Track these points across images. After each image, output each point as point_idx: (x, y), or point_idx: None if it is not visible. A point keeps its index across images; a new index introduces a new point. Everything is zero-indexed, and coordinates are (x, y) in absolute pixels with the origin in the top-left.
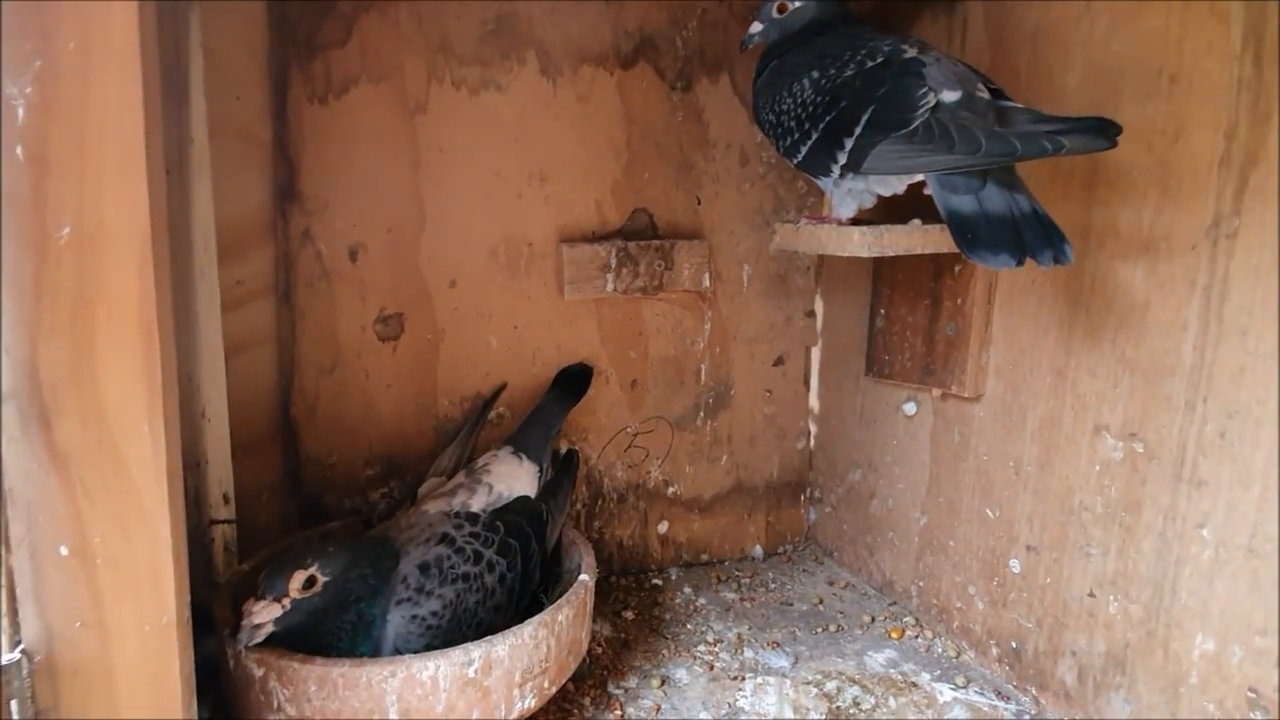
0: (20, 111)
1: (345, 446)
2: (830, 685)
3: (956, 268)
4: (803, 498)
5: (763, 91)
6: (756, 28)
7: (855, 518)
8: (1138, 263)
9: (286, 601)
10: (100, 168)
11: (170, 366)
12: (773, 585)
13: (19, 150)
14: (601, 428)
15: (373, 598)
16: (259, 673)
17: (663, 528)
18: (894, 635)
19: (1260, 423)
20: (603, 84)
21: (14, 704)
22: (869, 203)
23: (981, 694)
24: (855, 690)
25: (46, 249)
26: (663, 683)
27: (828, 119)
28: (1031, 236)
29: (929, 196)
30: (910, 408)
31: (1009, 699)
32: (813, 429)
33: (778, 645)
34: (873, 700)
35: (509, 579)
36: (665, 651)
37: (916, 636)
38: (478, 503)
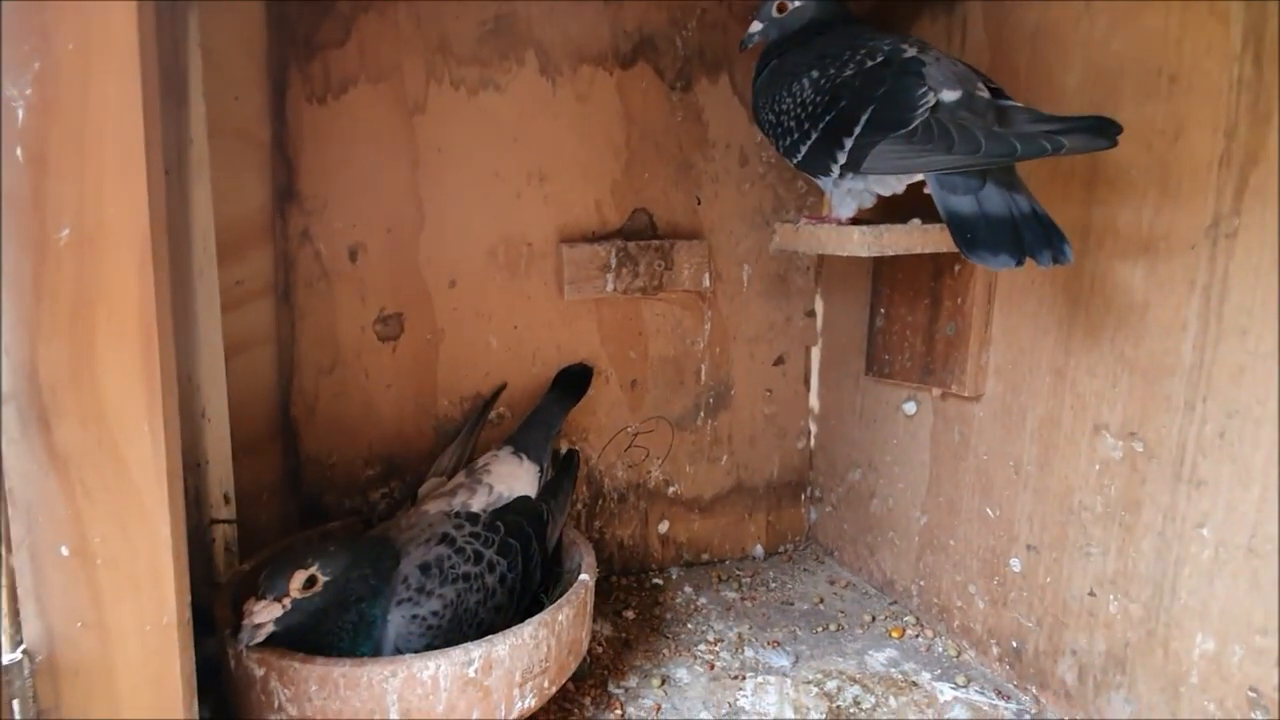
0: (20, 112)
1: (345, 446)
2: (831, 684)
3: (956, 267)
4: (803, 497)
5: (762, 91)
6: (756, 27)
7: (855, 517)
8: (1137, 262)
9: (287, 601)
10: (100, 168)
11: (170, 367)
12: (773, 585)
13: (19, 151)
14: (602, 428)
15: (373, 598)
16: (260, 672)
17: (663, 527)
18: (894, 634)
19: (1260, 422)
20: (602, 84)
21: (16, 704)
22: (869, 202)
23: (982, 693)
24: (856, 689)
25: (46, 249)
26: (663, 682)
27: (827, 119)
28: (1031, 236)
29: (929, 196)
30: (910, 407)
31: (1009, 698)
32: (813, 429)
33: (778, 644)
34: (873, 699)
35: (509, 579)
36: (666, 651)
37: (917, 636)
38: (478, 503)
